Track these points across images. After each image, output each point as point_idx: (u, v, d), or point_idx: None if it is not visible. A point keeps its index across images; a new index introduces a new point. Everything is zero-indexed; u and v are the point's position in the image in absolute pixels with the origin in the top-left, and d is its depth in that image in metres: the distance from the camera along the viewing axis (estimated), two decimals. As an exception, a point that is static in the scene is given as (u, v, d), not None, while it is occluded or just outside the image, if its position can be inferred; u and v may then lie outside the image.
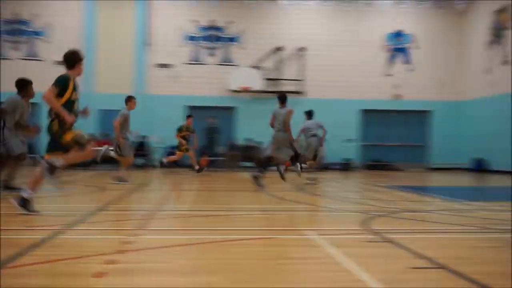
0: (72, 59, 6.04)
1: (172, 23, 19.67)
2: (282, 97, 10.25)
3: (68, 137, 5.78)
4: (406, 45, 20.87)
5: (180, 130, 14.77)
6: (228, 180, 13.11)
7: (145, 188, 10.24)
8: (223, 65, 19.84)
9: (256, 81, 19.24)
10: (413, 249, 4.03)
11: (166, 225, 5.56)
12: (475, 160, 19.27)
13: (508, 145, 17.52)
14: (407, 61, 20.85)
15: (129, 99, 10.63)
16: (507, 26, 18.16)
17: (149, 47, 19.36)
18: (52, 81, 5.79)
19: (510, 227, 5.41)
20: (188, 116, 15.28)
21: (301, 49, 20.01)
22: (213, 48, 19.93)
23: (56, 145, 5.80)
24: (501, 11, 18.52)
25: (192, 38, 19.82)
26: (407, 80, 20.64)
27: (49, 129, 5.84)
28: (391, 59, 20.82)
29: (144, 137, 18.11)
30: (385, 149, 20.61)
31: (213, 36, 19.98)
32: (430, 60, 20.83)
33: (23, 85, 8.07)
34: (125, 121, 10.37)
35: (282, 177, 10.29)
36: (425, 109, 20.78)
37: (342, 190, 10.17)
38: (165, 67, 19.39)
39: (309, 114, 12.56)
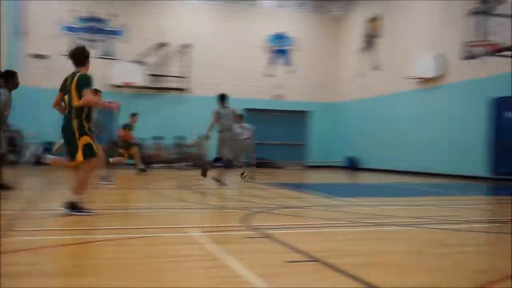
0: (85, 56, 5.92)
1: (49, 12, 18.57)
2: (223, 97, 10.32)
3: (83, 141, 5.70)
4: (287, 47, 21.66)
5: (129, 128, 14.00)
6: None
7: (21, 186, 9.56)
8: (104, 58, 19.12)
9: (139, 77, 18.81)
10: (290, 243, 4.21)
11: (40, 225, 5.24)
12: (348, 159, 20.55)
13: (376, 145, 18.94)
14: (288, 63, 21.65)
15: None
16: (378, 34, 19.59)
17: (23, 37, 18.07)
18: None
19: (376, 221, 5.85)
20: (134, 115, 14.45)
21: (186, 46, 19.93)
22: (94, 41, 19.13)
23: (73, 149, 5.70)
24: (373, 19, 19.93)
25: (71, 29, 18.88)
26: (288, 81, 21.44)
27: (69, 130, 5.72)
28: (273, 60, 21.49)
29: (15, 132, 16.90)
30: (267, 147, 21.20)
31: (94, 28, 19.20)
32: (310, 63, 21.82)
33: (11, 77, 7.64)
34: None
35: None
36: (304, 110, 21.73)
37: (225, 188, 10.30)
38: (41, 58, 18.23)
39: (241, 117, 12.94)
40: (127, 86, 18.66)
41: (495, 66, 13.71)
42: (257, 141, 21.00)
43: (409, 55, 17.45)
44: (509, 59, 13.18)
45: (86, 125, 5.76)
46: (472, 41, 12.37)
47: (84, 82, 5.74)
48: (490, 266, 3.78)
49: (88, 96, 5.66)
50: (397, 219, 6.07)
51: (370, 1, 20.07)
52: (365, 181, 14.53)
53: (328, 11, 22.02)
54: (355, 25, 21.09)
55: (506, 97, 13.28)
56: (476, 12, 12.64)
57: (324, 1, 21.94)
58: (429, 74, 16.25)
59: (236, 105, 20.37)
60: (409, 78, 17.13)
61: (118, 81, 18.53)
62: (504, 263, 3.75)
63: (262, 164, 20.69)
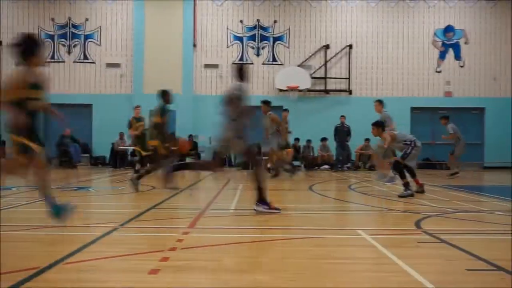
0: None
1: (218, 23, 19.86)
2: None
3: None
4: (456, 41, 20.34)
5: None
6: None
7: (193, 187, 10.33)
8: (269, 64, 19.87)
9: (303, 80, 19.10)
10: (469, 250, 3.90)
11: (217, 223, 5.57)
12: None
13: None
14: (458, 57, 20.30)
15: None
16: None
17: (196, 48, 19.59)
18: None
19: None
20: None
21: (348, 47, 19.86)
22: (263, 48, 19.98)
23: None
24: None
25: (238, 38, 19.93)
26: (459, 77, 20.16)
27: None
28: (442, 55, 20.34)
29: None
30: (436, 147, 20.06)
31: (259, 35, 20.04)
32: (482, 56, 20.22)
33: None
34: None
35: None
36: (477, 106, 20.23)
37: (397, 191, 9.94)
38: (212, 67, 19.60)
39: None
40: (292, 89, 19.06)
41: None
42: (425, 142, 20.09)
43: None
44: None
45: None
46: None
47: None
48: None
49: None
50: None
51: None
52: None
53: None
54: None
55: None
56: None
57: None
58: None
59: (401, 104, 19.75)
60: None
61: (282, 86, 19.08)
62: None
63: (430, 165, 19.63)
